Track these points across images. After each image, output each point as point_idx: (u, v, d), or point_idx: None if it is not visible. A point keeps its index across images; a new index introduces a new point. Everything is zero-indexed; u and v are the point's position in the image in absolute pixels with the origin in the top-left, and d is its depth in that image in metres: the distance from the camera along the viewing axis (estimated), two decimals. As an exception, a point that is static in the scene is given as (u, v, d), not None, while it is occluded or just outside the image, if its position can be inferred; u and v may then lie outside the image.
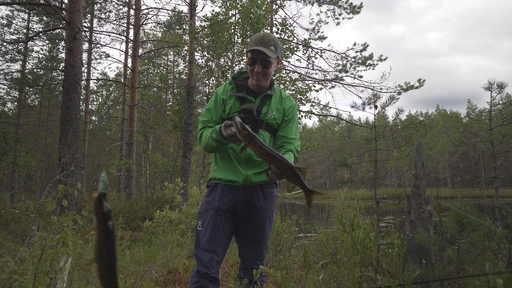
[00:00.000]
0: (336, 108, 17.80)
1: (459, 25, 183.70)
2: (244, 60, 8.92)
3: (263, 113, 2.10)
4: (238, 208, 2.09)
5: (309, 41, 11.96)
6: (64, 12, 8.79)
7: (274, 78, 10.12)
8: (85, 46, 17.21)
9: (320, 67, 13.15)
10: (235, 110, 2.09)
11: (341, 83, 12.38)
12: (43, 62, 19.45)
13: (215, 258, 2.00)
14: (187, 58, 10.77)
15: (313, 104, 11.01)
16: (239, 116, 2.01)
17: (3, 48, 16.76)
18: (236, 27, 8.84)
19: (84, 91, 19.48)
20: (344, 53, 12.44)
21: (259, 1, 8.49)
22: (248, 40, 8.83)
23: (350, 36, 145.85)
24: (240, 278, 2.16)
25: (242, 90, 2.12)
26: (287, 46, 10.84)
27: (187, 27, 9.89)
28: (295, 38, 11.62)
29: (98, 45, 18.49)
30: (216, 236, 2.02)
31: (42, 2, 12.20)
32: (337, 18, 13.04)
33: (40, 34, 16.60)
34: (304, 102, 10.43)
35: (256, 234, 2.11)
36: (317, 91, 10.83)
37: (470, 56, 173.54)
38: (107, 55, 19.50)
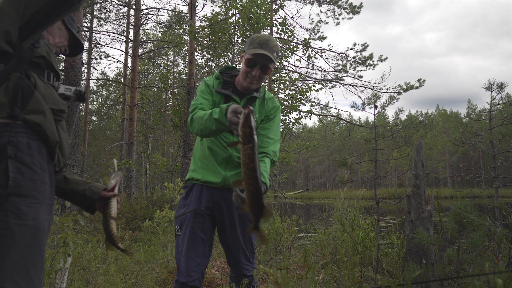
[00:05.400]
0: (336, 108, 17.83)
1: (457, 25, 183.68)
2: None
3: None
4: (216, 211, 2.00)
5: (309, 41, 11.97)
6: (64, 12, 8.76)
7: (274, 78, 10.13)
8: (85, 46, 17.21)
9: (320, 67, 13.15)
10: None
11: (341, 83, 12.39)
12: (43, 62, 19.38)
13: (194, 263, 1.90)
14: (187, 58, 10.78)
15: (313, 104, 11.02)
16: None
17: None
18: (236, 27, 8.84)
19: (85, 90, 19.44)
20: (344, 53, 12.45)
21: (259, 1, 8.49)
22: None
23: (348, 36, 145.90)
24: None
25: (228, 87, 2.03)
26: (287, 46, 10.85)
27: (187, 27, 9.89)
28: (295, 38, 11.63)
29: (98, 45, 18.48)
30: (195, 240, 1.93)
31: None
32: (337, 18, 13.05)
33: (40, 34, 16.55)
34: (304, 102, 10.44)
35: (238, 239, 2.01)
36: (317, 91, 10.83)
37: (468, 56, 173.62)
38: (107, 55, 19.46)
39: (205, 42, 9.27)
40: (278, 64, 1.98)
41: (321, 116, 13.71)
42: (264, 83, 10.51)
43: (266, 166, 1.91)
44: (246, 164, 1.45)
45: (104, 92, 27.65)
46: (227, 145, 1.59)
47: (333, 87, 12.58)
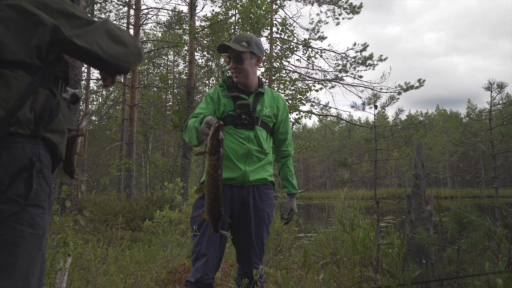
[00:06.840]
0: (336, 108, 17.84)
1: (456, 25, 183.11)
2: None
3: (258, 109, 2.11)
4: (235, 209, 2.04)
5: (309, 41, 11.98)
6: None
7: (274, 78, 10.11)
8: (85, 46, 17.15)
9: (320, 67, 13.15)
10: (230, 109, 2.06)
11: (341, 83, 12.39)
12: (43, 62, 19.37)
13: (212, 263, 1.93)
14: (187, 58, 10.77)
15: (313, 104, 11.02)
16: (236, 112, 2.02)
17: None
18: (236, 27, 8.84)
19: (84, 91, 19.46)
20: (344, 53, 12.45)
21: (259, 1, 8.49)
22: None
23: (348, 36, 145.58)
24: (238, 285, 2.10)
25: (233, 91, 2.14)
26: (287, 46, 10.85)
27: (187, 27, 9.88)
28: (295, 38, 11.63)
29: (98, 45, 18.45)
30: (215, 241, 1.95)
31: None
32: (337, 18, 13.05)
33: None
34: (304, 102, 10.44)
35: (251, 237, 2.05)
36: (317, 91, 10.84)
37: (467, 57, 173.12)
38: (107, 55, 19.40)
39: (205, 42, 9.26)
40: (258, 51, 1.97)
41: (321, 116, 13.72)
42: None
43: (291, 170, 2.29)
44: (210, 173, 1.55)
45: (104, 92, 27.64)
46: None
47: (333, 87, 12.58)
